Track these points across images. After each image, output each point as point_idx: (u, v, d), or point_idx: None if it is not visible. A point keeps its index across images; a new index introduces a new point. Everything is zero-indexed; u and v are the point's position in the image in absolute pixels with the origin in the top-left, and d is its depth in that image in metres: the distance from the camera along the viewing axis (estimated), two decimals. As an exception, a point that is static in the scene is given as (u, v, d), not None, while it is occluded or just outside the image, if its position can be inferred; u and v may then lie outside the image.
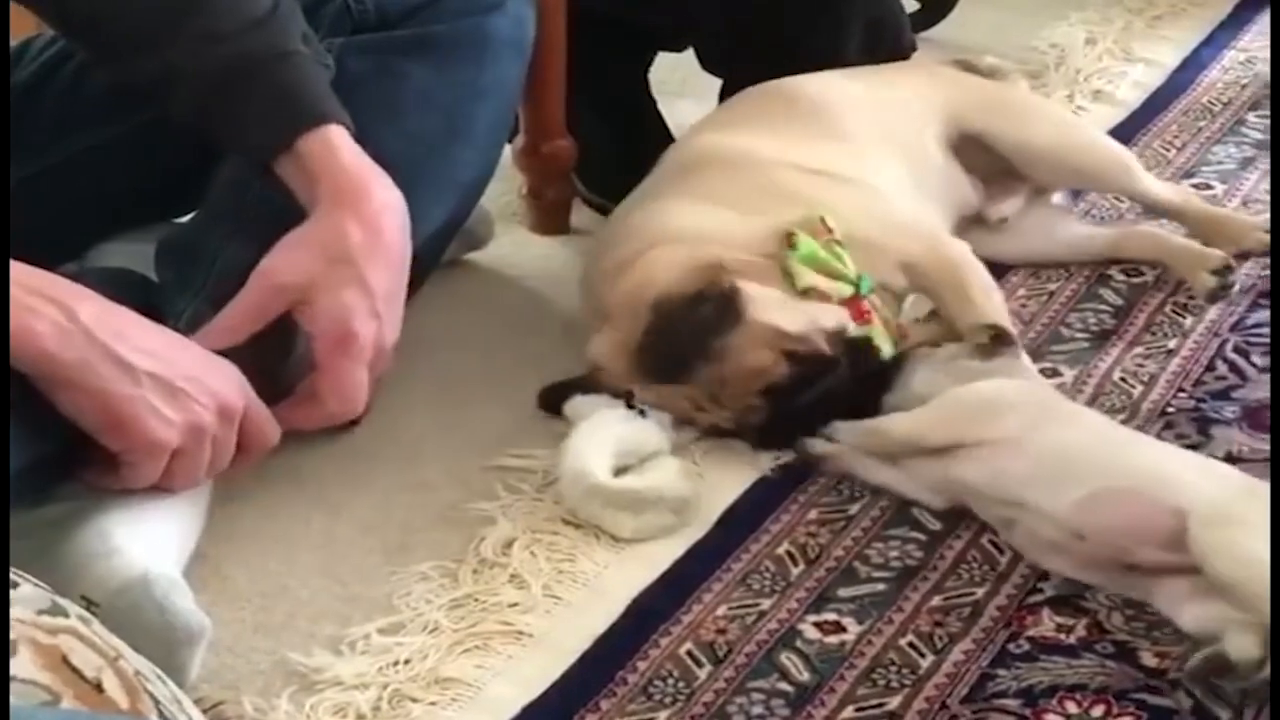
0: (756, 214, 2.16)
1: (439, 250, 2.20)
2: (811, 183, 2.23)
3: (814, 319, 2.06)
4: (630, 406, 2.05)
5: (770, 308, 2.05)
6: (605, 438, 1.99)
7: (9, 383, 1.57)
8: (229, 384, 1.74)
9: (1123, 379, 2.17)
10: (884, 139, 2.36)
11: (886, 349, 2.09)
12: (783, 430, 2.05)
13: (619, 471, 1.99)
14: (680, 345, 2.03)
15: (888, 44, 2.63)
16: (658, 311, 2.04)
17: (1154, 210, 2.52)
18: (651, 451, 2.02)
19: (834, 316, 2.08)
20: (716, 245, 2.10)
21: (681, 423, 2.07)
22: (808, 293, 2.08)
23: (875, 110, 2.39)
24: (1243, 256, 2.39)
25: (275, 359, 1.88)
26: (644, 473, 1.99)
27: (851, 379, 2.05)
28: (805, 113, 2.36)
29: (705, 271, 2.05)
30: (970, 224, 2.42)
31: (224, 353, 1.78)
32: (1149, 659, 1.71)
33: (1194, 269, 2.38)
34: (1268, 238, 2.45)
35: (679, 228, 2.15)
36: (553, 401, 2.11)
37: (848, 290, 2.10)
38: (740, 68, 2.66)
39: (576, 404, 2.08)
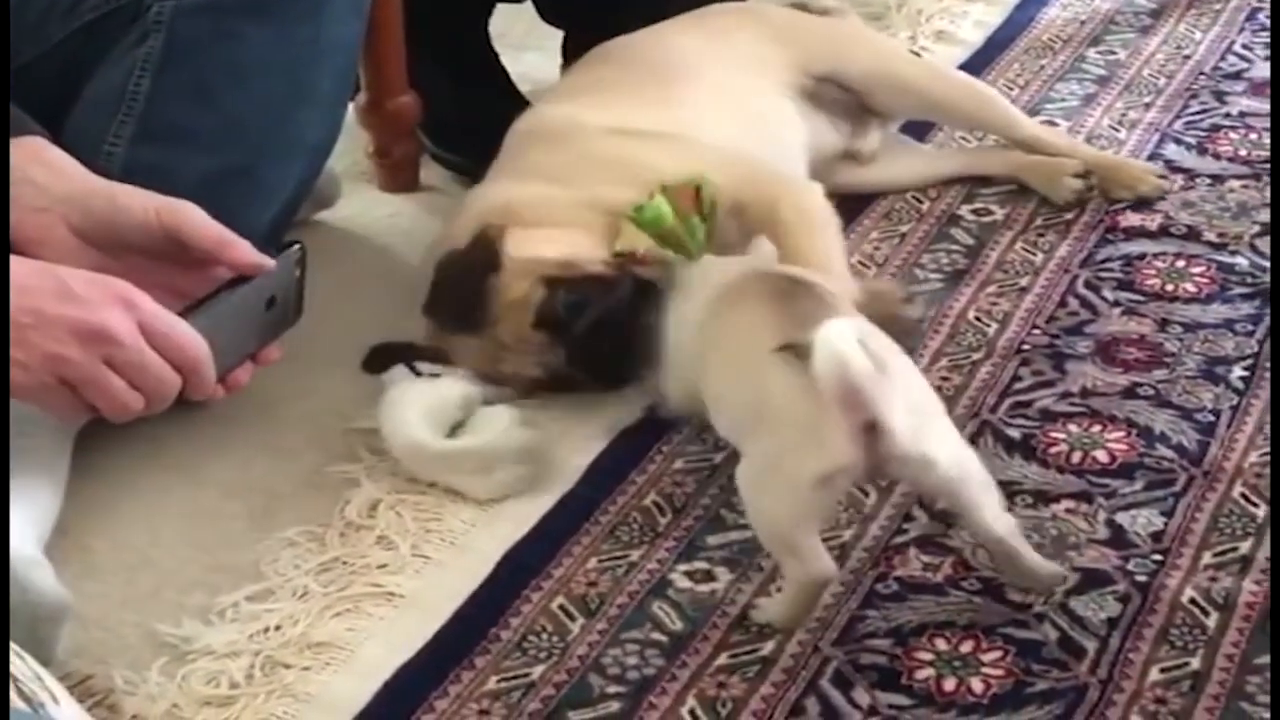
0: (577, 185, 2.14)
1: (291, 213, 2.18)
2: (633, 146, 2.20)
3: (581, 251, 2.05)
4: (412, 369, 2.04)
5: (532, 244, 2.05)
6: (415, 403, 1.98)
7: (9, 383, 1.53)
8: (89, 307, 1.55)
9: (977, 318, 2.19)
10: (722, 92, 2.35)
11: None
12: (587, 366, 2.03)
13: (454, 428, 1.99)
14: (453, 294, 2.05)
15: None
16: (438, 268, 2.07)
17: (1029, 151, 2.52)
18: (467, 403, 2.01)
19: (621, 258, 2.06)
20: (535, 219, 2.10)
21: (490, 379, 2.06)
22: (625, 255, 2.05)
23: (712, 63, 2.39)
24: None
25: None
26: (477, 430, 1.98)
27: (629, 303, 2.00)
28: (638, 73, 2.36)
29: (485, 229, 2.06)
30: (838, 160, 2.44)
31: None
32: (1014, 594, 1.74)
33: (1054, 177, 2.42)
34: (1165, 183, 2.47)
35: (503, 205, 2.14)
36: (376, 364, 2.09)
37: (679, 256, 2.06)
38: (577, 18, 2.66)
39: (393, 374, 2.06)
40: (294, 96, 2.05)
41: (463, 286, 2.04)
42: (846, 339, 1.59)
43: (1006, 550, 1.71)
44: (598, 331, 2.00)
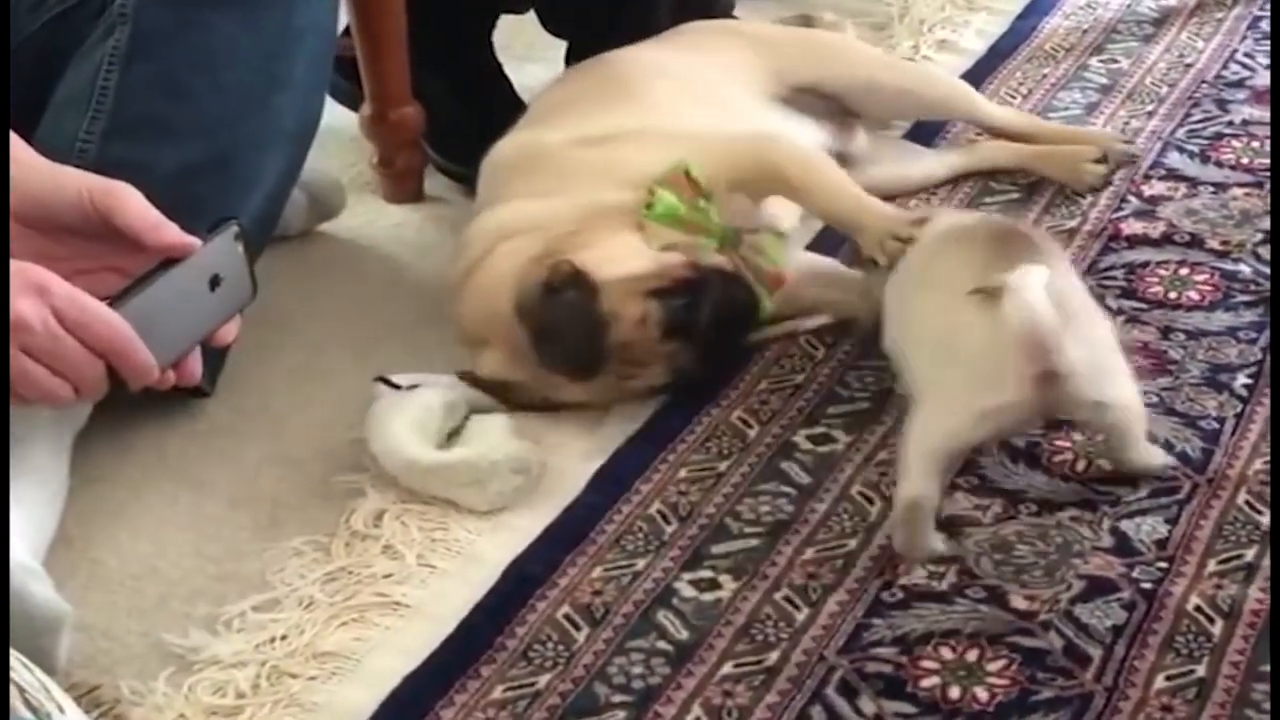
0: (571, 198, 2.14)
1: (279, 203, 2.15)
2: (603, 151, 2.21)
3: (657, 256, 2.07)
4: (389, 384, 2.03)
5: (612, 263, 2.04)
6: (400, 418, 1.97)
7: (9, 381, 1.53)
8: None
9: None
10: (688, 86, 2.36)
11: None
12: (719, 356, 2.08)
13: (450, 436, 1.99)
14: (571, 337, 2.02)
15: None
16: (525, 319, 2.03)
17: (1002, 136, 2.58)
18: (452, 410, 2.01)
19: (679, 254, 2.08)
20: (540, 231, 2.10)
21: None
22: (669, 249, 2.08)
23: (687, 74, 2.40)
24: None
25: None
26: (469, 441, 1.98)
27: (732, 290, 2.07)
28: (602, 85, 2.37)
29: (539, 261, 2.05)
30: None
31: None
32: (1019, 602, 1.74)
33: (1073, 164, 2.45)
34: (1130, 148, 2.52)
35: (497, 228, 2.15)
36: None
37: (711, 244, 2.10)
38: (580, 30, 2.66)
39: (376, 390, 2.05)
40: (267, 84, 2.03)
41: (577, 327, 2.02)
42: (1035, 288, 1.72)
43: (1144, 469, 1.88)
44: (721, 322, 2.04)
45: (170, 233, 1.57)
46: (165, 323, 1.54)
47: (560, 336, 2.02)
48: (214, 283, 1.58)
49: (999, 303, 1.74)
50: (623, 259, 2.06)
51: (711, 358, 2.07)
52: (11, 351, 1.49)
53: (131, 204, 1.58)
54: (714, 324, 2.04)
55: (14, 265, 1.50)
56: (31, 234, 1.60)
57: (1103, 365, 1.81)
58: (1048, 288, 1.73)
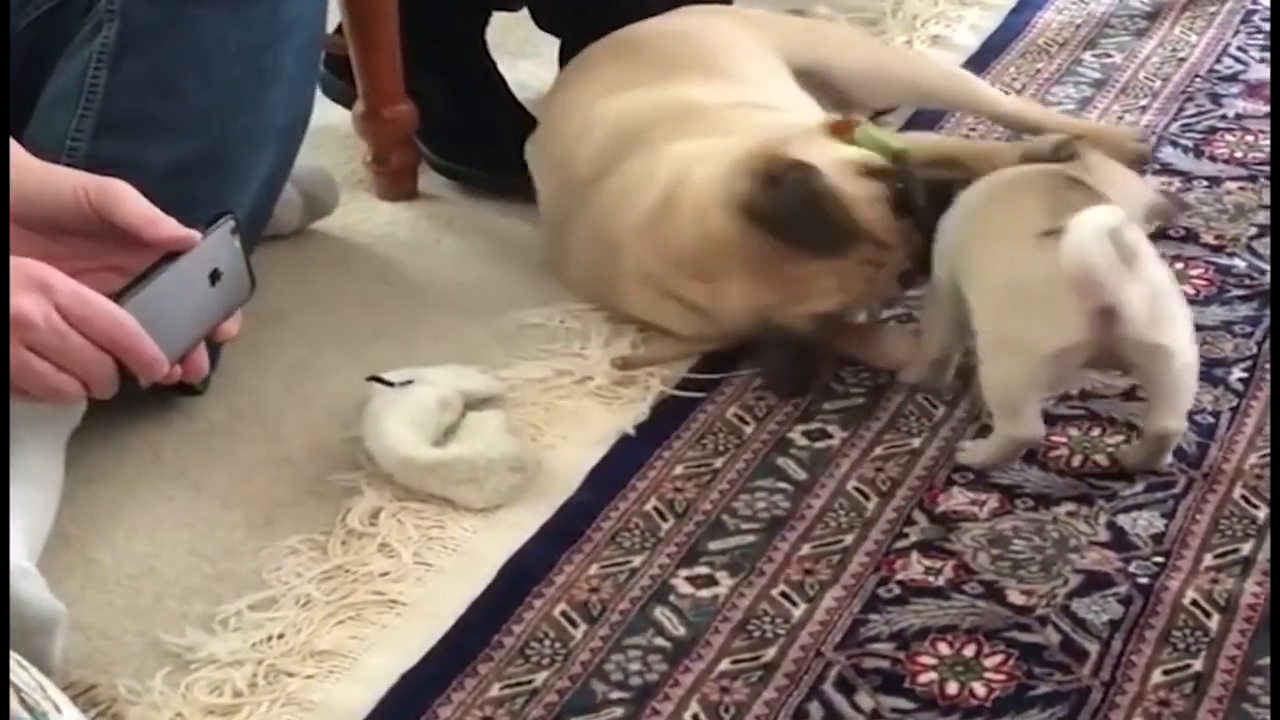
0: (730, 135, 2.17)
1: (271, 199, 2.14)
2: (760, 114, 2.26)
3: (849, 151, 2.10)
4: (384, 382, 2.02)
5: (817, 153, 2.07)
6: (396, 415, 1.97)
7: (9, 378, 1.52)
8: None
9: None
10: (763, 71, 2.39)
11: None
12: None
13: (447, 432, 1.99)
14: (817, 212, 2.02)
15: None
16: (762, 216, 2.04)
17: (1011, 127, 2.57)
18: (446, 405, 2.01)
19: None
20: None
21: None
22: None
23: (743, 48, 2.43)
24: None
25: None
26: (465, 438, 1.98)
27: (933, 172, 2.11)
28: (694, 57, 2.38)
29: (747, 164, 2.06)
30: None
31: None
32: (1016, 597, 1.74)
33: (1120, 143, 2.47)
34: (1145, 147, 2.52)
35: (679, 160, 2.15)
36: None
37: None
38: (573, 26, 2.65)
39: (371, 389, 2.04)
40: (256, 79, 2.02)
41: (819, 201, 2.02)
42: (1094, 229, 1.76)
43: (1166, 444, 1.89)
44: (937, 199, 2.05)
45: (169, 226, 1.57)
46: (170, 317, 1.54)
47: (806, 215, 2.02)
48: (214, 277, 1.58)
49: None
50: (826, 154, 2.08)
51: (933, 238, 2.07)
52: (16, 348, 1.48)
53: (128, 199, 1.57)
54: (931, 203, 2.04)
55: (15, 262, 1.50)
56: (31, 235, 1.59)
57: (1164, 309, 1.83)
58: (1112, 229, 1.76)
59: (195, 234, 1.56)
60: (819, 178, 2.03)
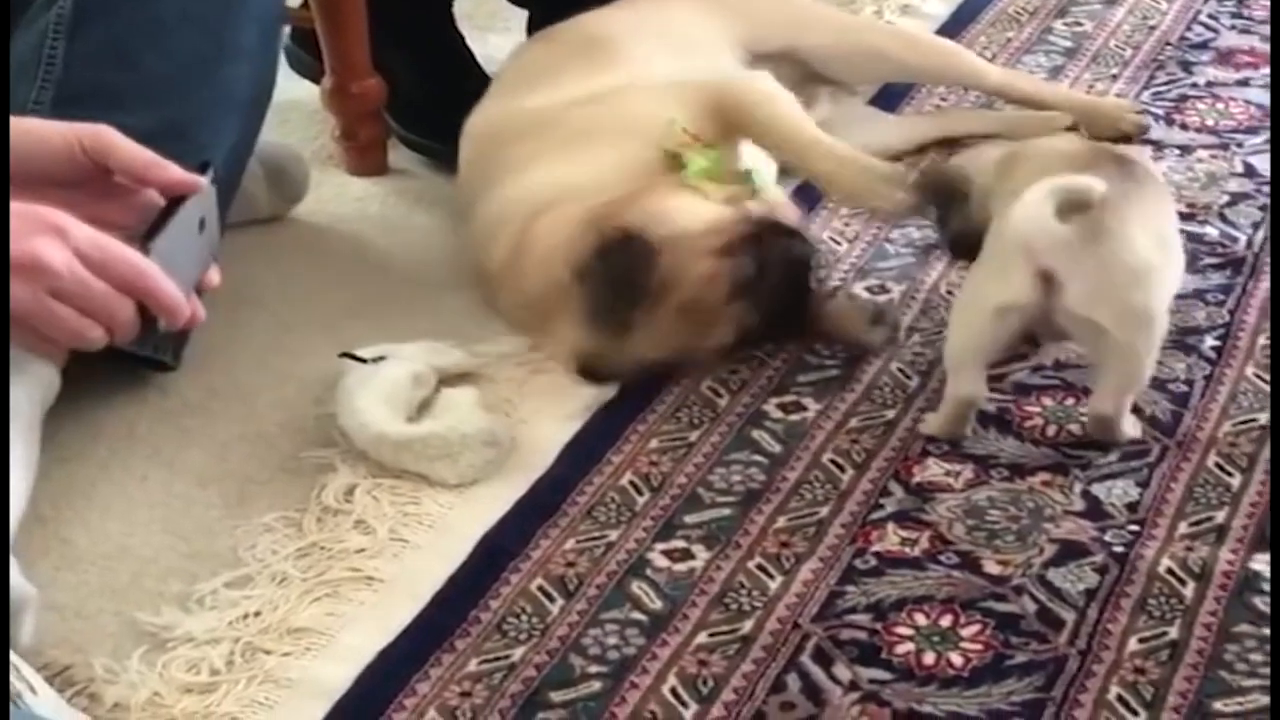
0: (596, 156, 2.14)
1: (235, 174, 2.13)
2: (605, 107, 2.22)
3: (712, 213, 2.06)
4: (356, 359, 2.01)
5: (671, 220, 2.03)
6: (369, 392, 1.96)
7: (9, 385, 1.52)
8: (17, 240, 1.49)
9: (949, 292, 2.19)
10: (674, 55, 2.36)
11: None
12: (783, 319, 2.06)
13: (421, 408, 1.99)
14: (631, 299, 2.00)
15: None
16: (582, 284, 2.02)
17: (1006, 100, 2.58)
18: (420, 381, 2.01)
19: (730, 207, 2.08)
20: (581, 196, 2.10)
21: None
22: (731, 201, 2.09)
23: (656, 36, 2.40)
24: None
25: None
26: (439, 414, 1.97)
27: (793, 244, 2.07)
28: (573, 49, 2.37)
29: (590, 225, 2.04)
30: None
31: None
32: (992, 567, 1.74)
33: (1120, 116, 2.49)
34: (1144, 119, 2.52)
35: (530, 200, 2.13)
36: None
37: (748, 187, 2.12)
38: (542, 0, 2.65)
39: (343, 366, 2.04)
40: (215, 51, 2.02)
41: (632, 290, 2.00)
42: (1044, 196, 1.81)
43: (1106, 426, 1.90)
44: (788, 284, 2.05)
45: (172, 171, 1.58)
46: (181, 263, 1.55)
47: (618, 301, 2.00)
48: (201, 225, 1.59)
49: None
50: (681, 215, 2.05)
51: (780, 318, 2.06)
52: (39, 295, 1.48)
53: (121, 145, 1.59)
54: (782, 285, 2.03)
55: (30, 209, 1.50)
56: (18, 191, 1.59)
57: (1117, 291, 1.83)
58: (1076, 201, 1.81)
59: (201, 178, 1.57)
60: (639, 251, 2.00)
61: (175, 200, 1.58)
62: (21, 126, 1.63)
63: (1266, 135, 2.52)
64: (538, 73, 2.34)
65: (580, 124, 2.20)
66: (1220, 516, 1.80)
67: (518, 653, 1.67)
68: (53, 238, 1.48)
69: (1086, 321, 1.83)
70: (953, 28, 2.90)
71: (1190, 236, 2.25)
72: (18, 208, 1.50)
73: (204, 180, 1.59)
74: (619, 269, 1.99)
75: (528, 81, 2.33)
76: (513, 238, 2.13)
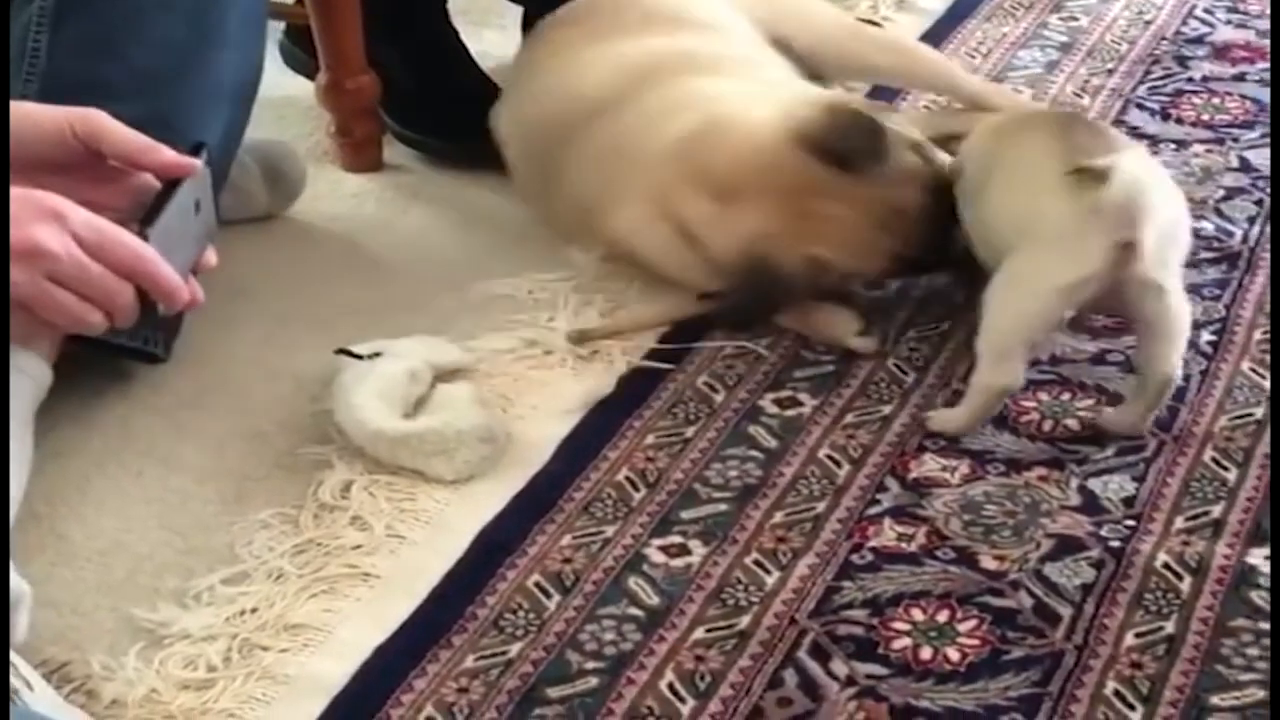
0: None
1: (224, 166, 2.13)
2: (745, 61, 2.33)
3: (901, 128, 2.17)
4: (352, 355, 2.01)
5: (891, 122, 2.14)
6: (364, 388, 1.96)
7: (9, 391, 1.52)
8: (16, 225, 1.49)
9: (945, 288, 2.19)
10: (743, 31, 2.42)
11: None
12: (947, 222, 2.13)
13: (417, 404, 1.98)
14: (860, 164, 2.08)
15: None
16: (814, 137, 2.09)
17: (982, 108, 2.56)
18: (415, 377, 2.00)
19: None
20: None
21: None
22: None
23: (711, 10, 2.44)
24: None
25: None
26: (435, 410, 1.97)
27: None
28: (674, 16, 2.39)
29: (813, 98, 2.17)
30: None
31: None
32: (989, 562, 1.74)
33: None
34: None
35: (704, 93, 2.21)
36: None
37: None
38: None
39: (339, 362, 2.04)
40: (200, 41, 2.01)
41: (880, 138, 2.09)
42: (1141, 165, 1.89)
43: (1156, 394, 1.90)
44: (946, 232, 2.11)
45: (166, 154, 1.58)
46: (178, 246, 1.55)
47: (865, 145, 2.08)
48: (197, 207, 1.60)
49: (1087, 182, 1.84)
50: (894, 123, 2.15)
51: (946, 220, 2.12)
52: (39, 280, 1.49)
53: (113, 128, 1.59)
54: (944, 225, 2.10)
55: (27, 194, 1.50)
56: (13, 176, 1.58)
57: (1168, 252, 1.89)
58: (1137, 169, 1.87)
59: (196, 161, 1.57)
60: (875, 133, 2.09)
61: (171, 184, 1.58)
62: (13, 111, 1.63)
63: (1262, 130, 2.52)
64: (614, 29, 2.36)
65: (733, 66, 2.30)
66: (1217, 511, 1.80)
67: (514, 649, 1.67)
68: (51, 222, 1.49)
69: (1156, 287, 1.85)
70: (948, 22, 2.90)
71: (1186, 231, 2.25)
72: (15, 193, 1.51)
73: (199, 162, 1.60)
74: (852, 140, 2.07)
75: (617, 33, 2.35)
76: (698, 118, 2.15)
